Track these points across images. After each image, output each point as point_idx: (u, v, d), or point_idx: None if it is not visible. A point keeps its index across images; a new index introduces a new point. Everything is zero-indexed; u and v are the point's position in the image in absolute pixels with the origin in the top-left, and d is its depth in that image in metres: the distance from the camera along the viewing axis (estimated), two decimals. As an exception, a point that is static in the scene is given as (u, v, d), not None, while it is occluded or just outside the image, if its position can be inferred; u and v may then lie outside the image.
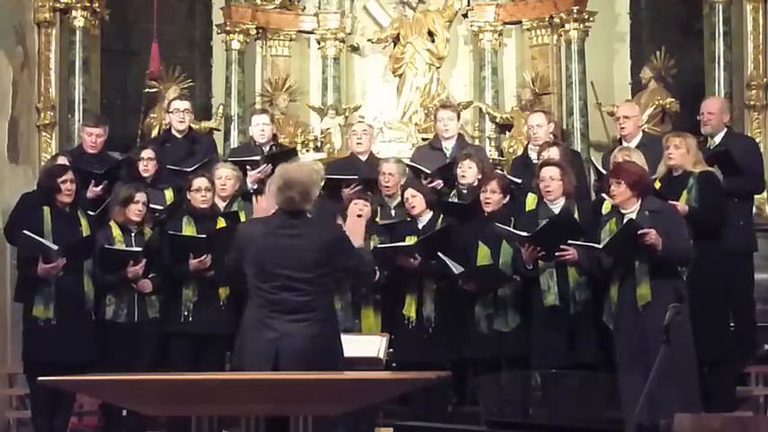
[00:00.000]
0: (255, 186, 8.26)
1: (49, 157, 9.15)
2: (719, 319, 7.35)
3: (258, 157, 8.37)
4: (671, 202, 7.13)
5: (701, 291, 6.94)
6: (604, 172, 7.87)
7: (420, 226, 7.59)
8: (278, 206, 5.66)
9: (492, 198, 7.44)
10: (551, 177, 7.28)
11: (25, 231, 7.30)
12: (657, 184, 7.40)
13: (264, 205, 6.09)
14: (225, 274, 6.91)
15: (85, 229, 7.48)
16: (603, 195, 7.60)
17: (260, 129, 8.73)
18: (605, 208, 7.43)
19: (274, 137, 9.03)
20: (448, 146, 8.74)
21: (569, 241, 6.99)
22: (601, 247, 6.78)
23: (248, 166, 8.29)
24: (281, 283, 5.49)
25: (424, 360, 6.97)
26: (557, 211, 7.25)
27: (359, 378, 4.92)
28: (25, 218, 7.52)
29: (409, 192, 7.68)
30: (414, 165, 8.42)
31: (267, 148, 8.66)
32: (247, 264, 5.61)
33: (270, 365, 5.38)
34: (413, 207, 7.63)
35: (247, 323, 5.67)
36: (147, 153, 8.19)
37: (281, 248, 5.52)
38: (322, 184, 7.26)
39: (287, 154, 8.59)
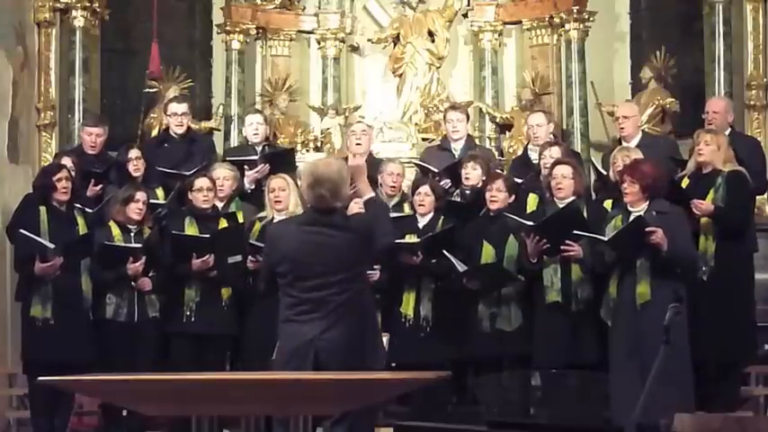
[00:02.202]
0: (253, 186, 8.26)
1: (49, 157, 9.17)
2: (737, 320, 7.31)
3: (256, 157, 8.37)
4: (696, 201, 7.11)
5: (720, 291, 6.95)
6: (604, 172, 7.88)
7: (420, 225, 7.60)
8: (309, 204, 5.57)
9: (498, 197, 7.44)
10: (563, 175, 7.28)
11: (21, 230, 7.30)
12: (686, 181, 7.39)
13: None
14: (263, 281, 6.84)
15: (82, 228, 7.48)
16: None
17: (253, 128, 8.76)
18: (605, 206, 7.44)
19: (270, 137, 9.02)
20: (457, 147, 8.75)
21: (575, 231, 6.99)
22: (606, 240, 6.78)
23: (246, 166, 8.29)
24: (315, 283, 5.38)
25: (420, 359, 6.97)
26: (564, 208, 7.26)
27: (359, 378, 4.92)
28: (23, 217, 7.53)
29: (424, 189, 7.68)
30: (422, 164, 8.43)
31: (260, 149, 8.67)
32: (279, 263, 5.51)
33: (310, 367, 5.31)
34: (421, 205, 7.63)
35: (281, 323, 5.55)
36: (135, 153, 8.19)
37: (314, 247, 5.40)
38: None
39: (285, 154, 8.60)
